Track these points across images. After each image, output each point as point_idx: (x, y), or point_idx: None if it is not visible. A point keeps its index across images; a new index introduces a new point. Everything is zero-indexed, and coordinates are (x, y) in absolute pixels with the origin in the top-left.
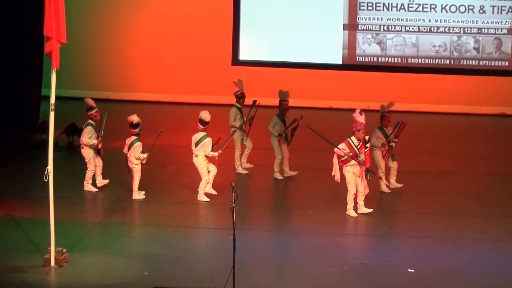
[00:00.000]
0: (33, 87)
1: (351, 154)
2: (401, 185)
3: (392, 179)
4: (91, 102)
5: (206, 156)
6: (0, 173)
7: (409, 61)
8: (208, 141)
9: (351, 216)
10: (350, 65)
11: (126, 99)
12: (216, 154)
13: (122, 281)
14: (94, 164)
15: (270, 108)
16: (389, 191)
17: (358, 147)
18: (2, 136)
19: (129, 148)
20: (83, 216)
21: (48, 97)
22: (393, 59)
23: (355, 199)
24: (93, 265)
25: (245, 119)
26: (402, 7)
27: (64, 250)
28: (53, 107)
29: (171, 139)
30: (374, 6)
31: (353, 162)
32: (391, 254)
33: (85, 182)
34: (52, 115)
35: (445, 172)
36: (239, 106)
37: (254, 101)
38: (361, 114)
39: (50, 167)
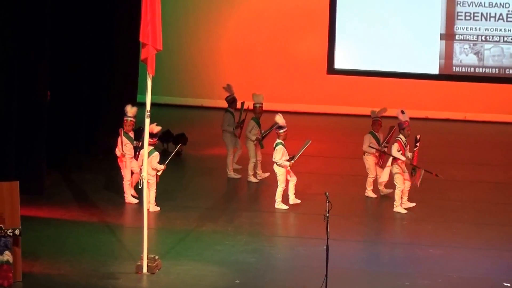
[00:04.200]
0: (129, 94)
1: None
2: (375, 196)
3: (381, 186)
4: (129, 110)
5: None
6: (95, 179)
7: (507, 72)
8: (278, 149)
9: (399, 213)
10: (446, 75)
11: (220, 107)
12: (286, 163)
13: None
14: (129, 175)
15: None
16: (375, 196)
17: (405, 144)
18: (98, 142)
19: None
20: (176, 224)
21: (143, 104)
22: (490, 69)
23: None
24: (186, 272)
25: (239, 123)
26: (501, 17)
27: (157, 257)
28: (148, 113)
29: (265, 148)
30: (472, 15)
31: (402, 159)
32: (486, 267)
33: (124, 194)
34: (147, 121)
35: None
36: (232, 111)
37: (242, 103)
38: (403, 113)
39: (144, 173)
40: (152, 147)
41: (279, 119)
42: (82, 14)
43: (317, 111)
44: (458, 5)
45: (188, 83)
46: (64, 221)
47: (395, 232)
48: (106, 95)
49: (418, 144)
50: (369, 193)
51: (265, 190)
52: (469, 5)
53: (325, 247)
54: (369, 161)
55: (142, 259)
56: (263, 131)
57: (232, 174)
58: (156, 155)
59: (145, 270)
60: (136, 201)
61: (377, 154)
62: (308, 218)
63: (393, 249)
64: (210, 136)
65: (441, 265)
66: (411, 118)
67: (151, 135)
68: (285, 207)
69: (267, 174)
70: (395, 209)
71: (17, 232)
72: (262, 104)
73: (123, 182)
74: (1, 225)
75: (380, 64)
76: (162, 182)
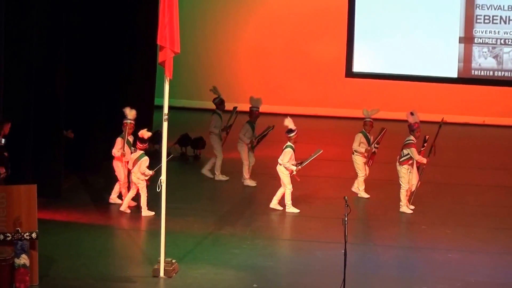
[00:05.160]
0: (146, 97)
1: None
2: (368, 195)
3: (356, 186)
4: (128, 113)
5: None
6: (113, 183)
7: None
8: (287, 151)
9: (406, 213)
10: (465, 78)
11: (239, 110)
12: (293, 168)
13: None
14: (123, 177)
15: (381, 121)
16: (368, 196)
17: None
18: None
19: (135, 163)
20: (193, 227)
21: (160, 107)
22: (509, 73)
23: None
24: (203, 276)
25: (226, 127)
26: None
27: (174, 261)
28: (166, 117)
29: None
30: (491, 19)
31: (410, 160)
32: (505, 272)
33: (112, 194)
34: (165, 125)
35: None
36: (219, 113)
37: (234, 108)
38: (413, 115)
39: (163, 177)
40: (142, 152)
41: (289, 122)
42: (100, 16)
43: (335, 115)
44: (477, 8)
45: (206, 86)
46: (81, 224)
47: (413, 236)
48: (124, 98)
49: (425, 144)
50: (362, 193)
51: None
52: (488, 8)
53: (343, 251)
54: (358, 160)
55: (159, 262)
56: (257, 136)
57: (220, 176)
58: (146, 160)
59: (162, 273)
60: (120, 201)
61: (365, 154)
62: (325, 222)
63: (411, 253)
64: (228, 140)
65: (459, 269)
66: (430, 122)
67: (142, 140)
68: (296, 210)
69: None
70: (401, 210)
71: (33, 235)
72: (259, 108)
73: (118, 183)
74: (18, 228)
75: (399, 67)
76: (181, 186)
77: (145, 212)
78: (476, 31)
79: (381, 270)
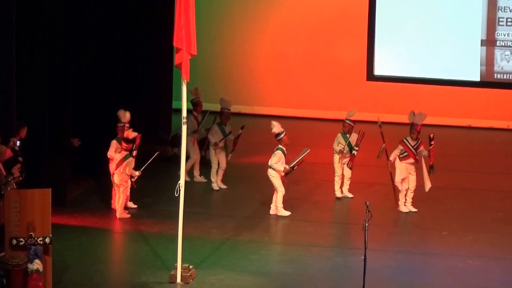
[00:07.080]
0: (164, 100)
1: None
2: (352, 195)
3: (345, 188)
4: (122, 115)
5: (270, 166)
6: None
7: None
8: (276, 153)
9: (402, 212)
10: (487, 82)
11: (258, 114)
12: (281, 168)
13: None
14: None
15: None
16: (343, 195)
17: (415, 146)
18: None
19: (119, 164)
20: (211, 233)
21: (178, 110)
22: None
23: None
24: (220, 282)
25: (198, 128)
26: None
27: (191, 267)
28: (184, 120)
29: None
30: None
31: (409, 160)
32: None
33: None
34: (184, 128)
35: None
36: (195, 114)
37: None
38: (413, 115)
39: (182, 181)
40: (127, 153)
41: (274, 127)
42: (116, 19)
43: (356, 119)
44: (500, 11)
45: (224, 89)
46: (96, 229)
47: (433, 243)
48: (141, 101)
49: (432, 142)
50: (338, 193)
51: (301, 198)
52: (510, 11)
53: (363, 257)
54: (335, 159)
55: (176, 268)
56: (224, 137)
57: (199, 179)
58: (131, 161)
59: (179, 279)
60: (133, 205)
61: (340, 154)
62: (345, 228)
63: (432, 260)
64: (247, 144)
65: (479, 276)
66: (452, 127)
67: (127, 140)
68: (288, 213)
69: (224, 186)
70: (399, 208)
71: (47, 240)
72: (229, 110)
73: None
74: (32, 233)
75: (420, 70)
76: (199, 190)
77: (120, 214)
78: (498, 34)
79: (401, 276)
